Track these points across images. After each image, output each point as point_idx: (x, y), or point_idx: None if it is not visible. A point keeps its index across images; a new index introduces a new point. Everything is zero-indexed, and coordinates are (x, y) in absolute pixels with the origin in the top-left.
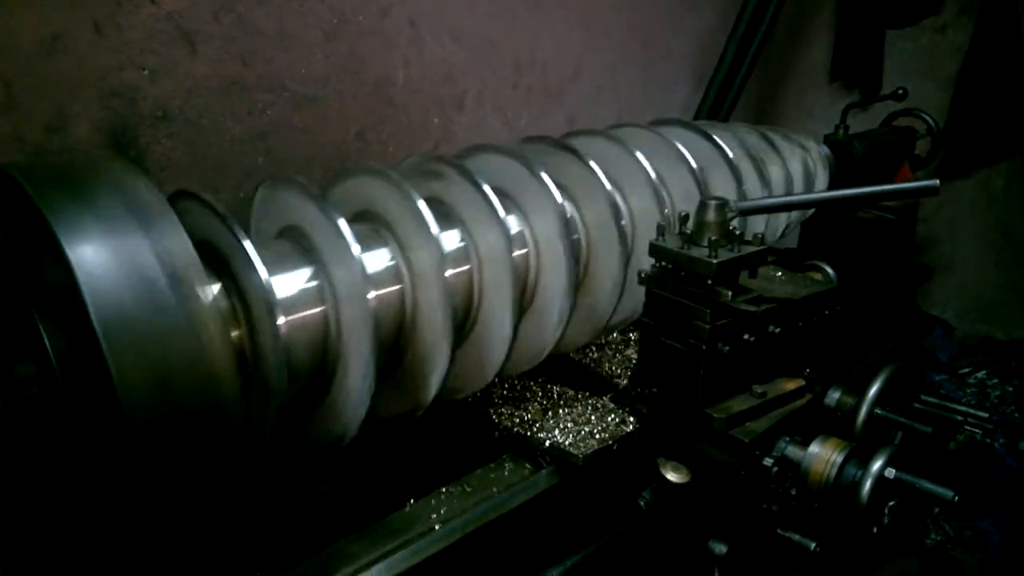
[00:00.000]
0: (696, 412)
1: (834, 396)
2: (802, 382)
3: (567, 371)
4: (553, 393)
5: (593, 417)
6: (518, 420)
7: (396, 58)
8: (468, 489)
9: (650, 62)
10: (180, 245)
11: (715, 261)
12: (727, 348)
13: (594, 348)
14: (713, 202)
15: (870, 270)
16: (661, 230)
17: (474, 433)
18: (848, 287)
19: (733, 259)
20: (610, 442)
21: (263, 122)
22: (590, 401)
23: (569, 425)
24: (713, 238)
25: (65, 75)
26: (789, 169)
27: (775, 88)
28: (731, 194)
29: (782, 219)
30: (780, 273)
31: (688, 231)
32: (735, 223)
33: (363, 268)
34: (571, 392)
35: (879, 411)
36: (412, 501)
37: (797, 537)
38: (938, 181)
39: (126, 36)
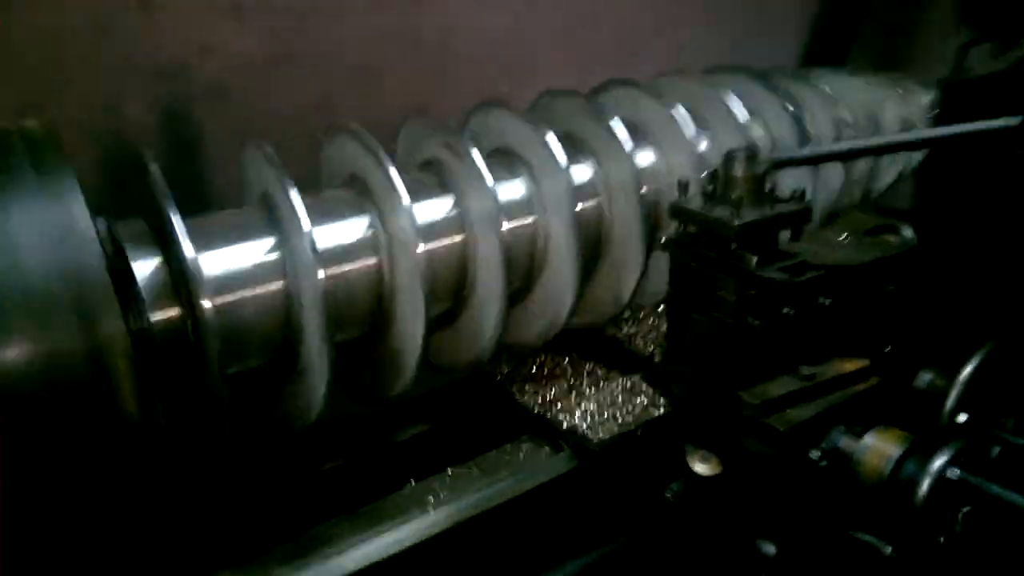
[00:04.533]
0: (726, 395)
1: (925, 378)
2: (865, 363)
3: (602, 347)
4: (584, 370)
5: (620, 398)
6: (540, 399)
7: (457, 22)
8: (476, 471)
9: (751, 8)
10: (79, 218)
11: (737, 223)
12: (758, 323)
13: (630, 321)
14: (740, 153)
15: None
16: (683, 187)
17: (498, 411)
18: (931, 253)
19: (760, 220)
20: (633, 427)
21: (316, 96)
22: (621, 380)
23: (592, 407)
24: (737, 195)
25: (115, 55)
26: (880, 118)
27: (898, 30)
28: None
29: (864, 173)
30: (844, 236)
31: (711, 188)
32: (772, 179)
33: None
34: (602, 370)
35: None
36: (413, 482)
37: (870, 539)
38: (1021, 118)
39: (173, 12)
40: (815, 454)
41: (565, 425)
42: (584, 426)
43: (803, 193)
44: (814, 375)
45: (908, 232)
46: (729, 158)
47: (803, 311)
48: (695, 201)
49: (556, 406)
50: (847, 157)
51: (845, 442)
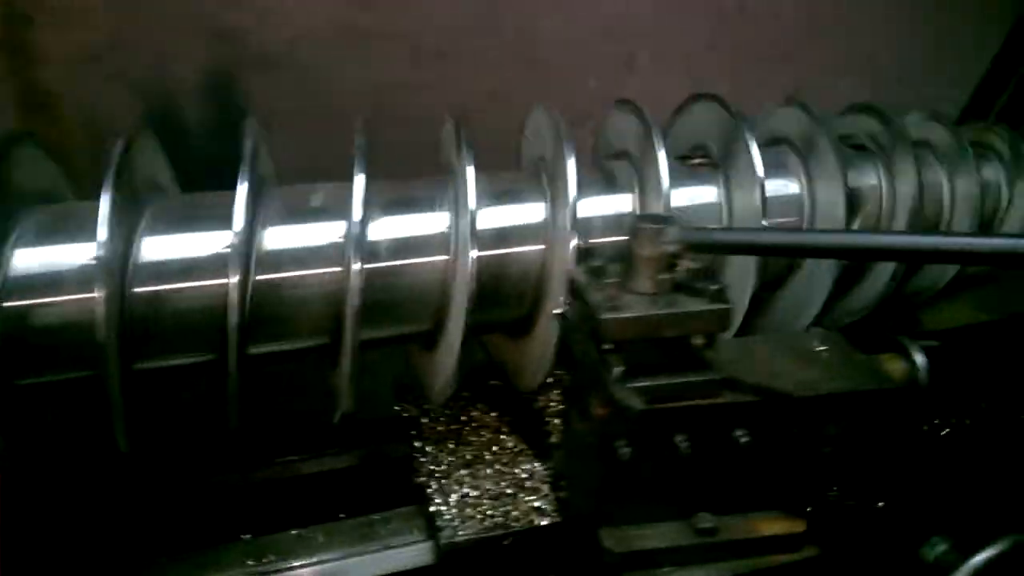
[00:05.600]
0: (589, 530)
1: (938, 549)
2: (800, 526)
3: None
4: (509, 441)
5: (510, 490)
6: (435, 467)
7: (543, 2)
8: (321, 538)
9: (937, 13)
10: None
11: (602, 316)
12: (628, 450)
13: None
14: (648, 225)
15: None
16: (583, 254)
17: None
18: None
19: (632, 319)
20: (501, 533)
21: (380, 75)
22: (526, 467)
23: (473, 494)
24: (614, 279)
25: (171, 14)
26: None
27: None
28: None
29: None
30: (824, 349)
31: (598, 264)
32: (689, 258)
33: None
34: (527, 449)
35: None
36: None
37: None
38: None
39: None
40: None
41: (432, 507)
42: (450, 515)
43: (722, 289)
44: (715, 529)
45: (920, 359)
46: (636, 228)
47: (706, 446)
48: (585, 275)
49: (444, 479)
50: (778, 253)
51: None
